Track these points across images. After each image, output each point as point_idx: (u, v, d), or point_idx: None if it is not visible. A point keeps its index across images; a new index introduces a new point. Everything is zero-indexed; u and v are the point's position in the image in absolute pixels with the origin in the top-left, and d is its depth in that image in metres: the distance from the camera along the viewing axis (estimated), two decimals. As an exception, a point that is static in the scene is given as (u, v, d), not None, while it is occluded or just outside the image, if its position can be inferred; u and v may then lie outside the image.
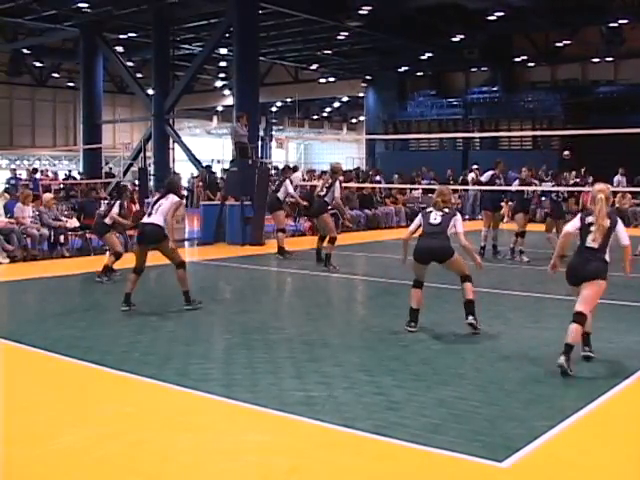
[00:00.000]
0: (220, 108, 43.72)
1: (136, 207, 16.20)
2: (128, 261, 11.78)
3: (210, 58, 28.48)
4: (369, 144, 36.72)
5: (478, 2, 24.17)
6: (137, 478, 3.84)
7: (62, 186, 24.57)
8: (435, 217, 7.12)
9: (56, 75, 39.05)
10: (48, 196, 14.39)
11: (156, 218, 8.16)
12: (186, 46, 30.41)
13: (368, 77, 37.04)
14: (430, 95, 35.01)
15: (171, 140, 25.63)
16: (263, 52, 28.00)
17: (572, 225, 6.08)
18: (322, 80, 38.52)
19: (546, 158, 23.42)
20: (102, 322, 7.69)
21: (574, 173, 19.05)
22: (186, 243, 16.12)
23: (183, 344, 6.60)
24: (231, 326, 7.56)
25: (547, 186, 13.75)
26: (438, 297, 8.75)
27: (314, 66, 36.01)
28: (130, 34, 28.52)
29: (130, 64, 31.03)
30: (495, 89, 33.09)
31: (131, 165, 24.93)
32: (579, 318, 5.68)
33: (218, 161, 32.24)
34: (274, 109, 45.50)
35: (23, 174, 25.10)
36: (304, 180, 19.23)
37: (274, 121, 46.53)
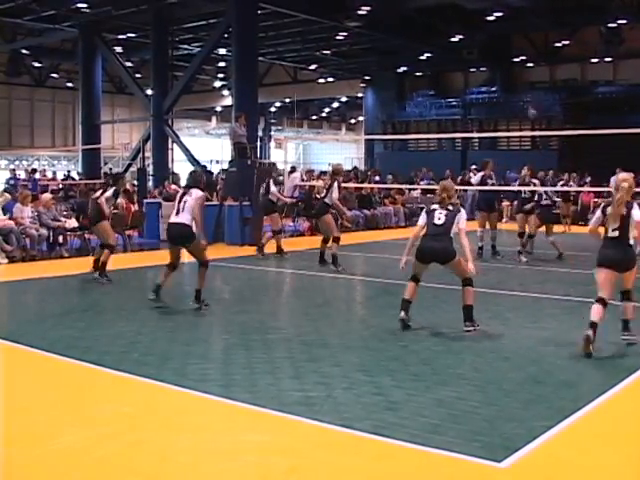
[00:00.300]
0: (219, 108, 43.67)
1: (135, 207, 16.21)
2: (127, 261, 11.76)
3: (209, 58, 28.48)
4: (368, 144, 36.73)
5: (477, 2, 24.17)
6: (136, 478, 3.84)
7: (61, 186, 24.56)
8: (439, 217, 7.08)
9: (55, 75, 39.01)
10: (47, 196, 14.36)
11: (183, 217, 8.14)
12: (185, 46, 30.37)
13: (367, 77, 37.05)
14: (429, 95, 35.02)
15: (170, 140, 25.58)
16: (262, 52, 27.96)
17: (596, 218, 6.52)
18: (321, 80, 38.53)
19: (545, 158, 23.43)
20: (101, 322, 7.69)
21: (574, 175, 19.07)
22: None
23: (182, 344, 6.59)
24: (230, 326, 7.56)
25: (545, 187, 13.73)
26: (437, 297, 8.76)
27: (313, 66, 36.01)
28: (129, 34, 28.50)
29: (129, 64, 30.98)
30: (494, 89, 33.07)
31: (130, 165, 24.96)
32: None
33: (217, 161, 32.15)
34: (273, 109, 45.52)
35: (22, 174, 25.09)
36: (303, 180, 19.24)
37: (273, 121, 46.61)
